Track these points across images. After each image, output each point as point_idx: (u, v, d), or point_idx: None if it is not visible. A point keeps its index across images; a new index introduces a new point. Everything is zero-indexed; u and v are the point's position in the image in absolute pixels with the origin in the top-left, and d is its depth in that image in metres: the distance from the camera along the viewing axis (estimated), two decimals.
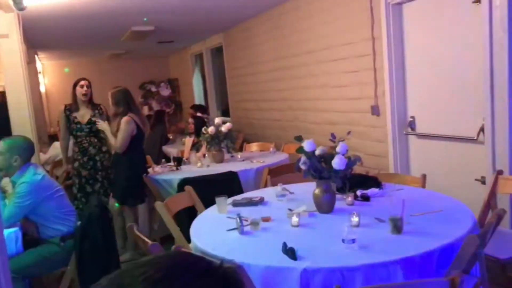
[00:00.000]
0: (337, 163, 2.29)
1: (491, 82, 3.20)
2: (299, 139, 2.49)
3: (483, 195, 2.87)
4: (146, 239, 2.13)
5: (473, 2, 3.30)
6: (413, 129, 4.09)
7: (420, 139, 4.07)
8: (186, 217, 3.03)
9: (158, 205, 2.70)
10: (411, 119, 4.10)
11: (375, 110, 4.33)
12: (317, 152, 2.41)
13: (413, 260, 1.78)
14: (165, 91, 10.80)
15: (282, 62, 5.96)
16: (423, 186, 2.87)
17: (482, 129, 3.35)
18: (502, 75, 3.12)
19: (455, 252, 1.88)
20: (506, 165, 3.16)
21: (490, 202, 2.76)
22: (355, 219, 2.16)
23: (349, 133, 2.68)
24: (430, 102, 3.88)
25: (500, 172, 2.83)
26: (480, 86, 3.30)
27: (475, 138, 3.40)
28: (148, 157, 4.54)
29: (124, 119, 3.92)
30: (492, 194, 2.79)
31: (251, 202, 2.68)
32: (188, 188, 3.02)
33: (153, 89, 10.80)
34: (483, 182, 3.38)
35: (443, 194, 2.61)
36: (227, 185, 3.52)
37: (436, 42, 3.74)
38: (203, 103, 9.40)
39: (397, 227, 2.00)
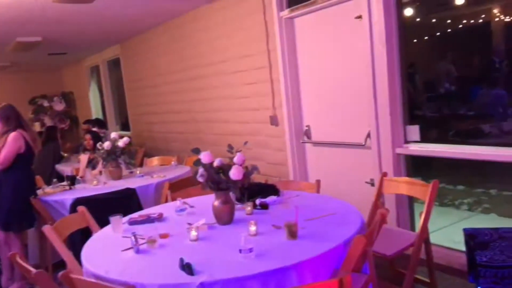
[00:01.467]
0: (234, 173, 2.30)
1: (374, 92, 3.47)
2: (197, 151, 2.46)
3: (373, 196, 3.08)
4: (29, 267, 1.95)
5: (356, 18, 3.56)
6: (309, 137, 4.28)
7: (315, 146, 4.27)
8: (80, 239, 2.83)
9: (46, 228, 2.49)
10: (306, 128, 4.29)
11: (274, 120, 4.47)
12: (215, 164, 2.40)
13: (307, 263, 1.84)
14: (59, 106, 10.13)
15: (184, 74, 5.91)
16: (318, 191, 3.00)
17: (368, 135, 3.61)
18: (383, 85, 3.40)
19: (346, 253, 1.97)
20: (391, 168, 3.44)
21: (378, 203, 2.97)
22: (252, 228, 2.18)
23: (245, 143, 2.71)
24: (323, 112, 4.10)
25: (384, 174, 3.05)
26: (365, 95, 3.56)
27: (363, 143, 3.65)
28: (38, 178, 4.20)
29: (12, 134, 3.60)
30: (379, 194, 3.00)
31: (148, 219, 2.58)
32: (81, 208, 2.83)
33: (46, 103, 10.06)
34: (372, 184, 3.63)
35: (337, 197, 2.75)
36: (124, 203, 3.37)
37: (326, 55, 3.97)
38: (101, 117, 8.97)
39: (292, 232, 2.06)
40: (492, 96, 5.56)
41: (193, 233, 2.20)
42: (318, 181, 3.04)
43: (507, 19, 6.71)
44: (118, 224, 2.45)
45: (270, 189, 2.84)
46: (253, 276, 1.73)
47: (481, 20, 7.52)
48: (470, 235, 2.13)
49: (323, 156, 4.19)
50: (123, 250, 2.16)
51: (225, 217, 2.40)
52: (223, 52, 5.04)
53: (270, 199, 2.72)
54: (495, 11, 7.39)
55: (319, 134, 4.20)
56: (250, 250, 1.91)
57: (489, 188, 5.03)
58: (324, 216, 2.37)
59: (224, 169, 2.37)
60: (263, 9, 4.34)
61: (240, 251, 1.91)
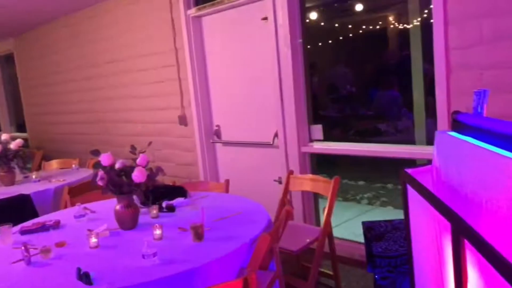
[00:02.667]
0: (137, 175, 2.20)
1: (280, 92, 3.55)
2: (96, 153, 2.33)
3: (281, 194, 3.15)
4: None
5: (262, 19, 3.62)
6: (219, 137, 4.27)
7: (225, 146, 4.27)
8: None
9: None
10: (216, 128, 4.28)
11: (183, 120, 4.39)
12: (116, 166, 2.29)
13: (213, 264, 1.82)
14: None
15: (87, 71, 5.58)
16: (227, 191, 3.00)
17: (276, 135, 3.69)
18: (288, 86, 3.49)
19: (252, 251, 1.98)
20: (297, 166, 3.54)
21: (285, 200, 3.05)
22: (157, 232, 2.11)
23: (149, 143, 2.61)
24: (232, 112, 4.11)
25: (291, 172, 3.14)
26: (272, 95, 3.63)
27: (271, 143, 3.73)
28: None
29: None
30: (286, 192, 3.08)
31: (43, 227, 2.38)
32: None
33: None
34: (280, 182, 3.72)
35: (247, 196, 2.77)
36: (17, 211, 3.09)
37: (234, 55, 3.98)
38: None
39: (198, 234, 2.03)
40: (387, 98, 6.01)
41: (93, 240, 2.07)
42: (227, 181, 3.03)
43: (401, 26, 7.28)
44: (7, 235, 2.23)
45: (177, 191, 2.77)
46: (156, 281, 1.67)
47: (378, 27, 8.08)
48: (368, 228, 2.27)
49: (233, 155, 4.20)
50: (13, 263, 1.97)
51: (128, 222, 2.29)
52: (129, 49, 4.85)
53: (177, 201, 2.66)
54: (391, 18, 7.97)
55: (229, 133, 4.21)
56: (154, 254, 1.84)
57: (387, 183, 5.43)
58: (231, 216, 2.37)
59: (127, 171, 2.26)
60: (169, 7, 4.25)
61: (143, 256, 1.84)
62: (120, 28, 4.89)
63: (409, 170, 1.66)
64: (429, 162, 1.74)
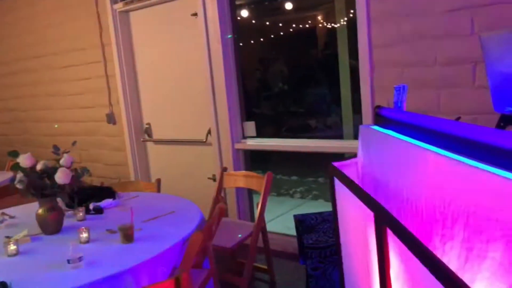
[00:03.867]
0: (60, 177, 2.08)
1: (212, 89, 3.53)
2: (14, 154, 2.17)
3: (215, 191, 3.13)
4: None
5: (192, 15, 3.57)
6: (150, 135, 4.16)
7: (157, 144, 4.17)
8: None
9: None
10: (147, 126, 4.17)
11: (111, 119, 4.22)
12: (38, 167, 2.15)
13: (143, 266, 1.76)
14: None
15: (4, 67, 5.19)
16: (158, 190, 2.93)
17: (209, 132, 3.67)
18: (220, 83, 3.47)
19: (184, 250, 1.95)
20: (231, 163, 3.54)
21: (218, 197, 3.03)
22: (84, 235, 2.01)
23: (74, 143, 2.48)
24: (164, 109, 4.02)
25: (224, 169, 3.13)
26: (205, 92, 3.60)
27: (205, 140, 3.70)
28: None
29: None
30: (219, 189, 3.07)
31: None
32: None
33: None
34: (214, 180, 3.70)
35: (180, 195, 2.72)
36: None
37: (164, 51, 3.90)
38: None
39: (127, 236, 1.96)
40: (317, 95, 6.20)
41: (12, 248, 1.93)
42: (158, 180, 2.96)
43: (329, 25, 7.52)
44: None
45: (105, 192, 2.66)
46: (82, 287, 1.58)
47: (307, 25, 8.29)
48: (299, 221, 2.32)
49: (166, 154, 4.12)
50: None
51: (51, 226, 2.17)
52: (51, 44, 4.57)
53: (105, 202, 2.55)
54: (319, 17, 8.21)
55: (160, 132, 4.11)
56: (80, 259, 1.75)
57: (318, 177, 5.59)
58: (162, 216, 2.31)
59: (49, 173, 2.13)
60: (95, 1, 4.06)
61: (68, 261, 1.74)
62: (42, 22, 4.61)
63: (335, 163, 1.71)
64: (355, 155, 1.81)
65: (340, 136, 4.63)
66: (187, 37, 3.69)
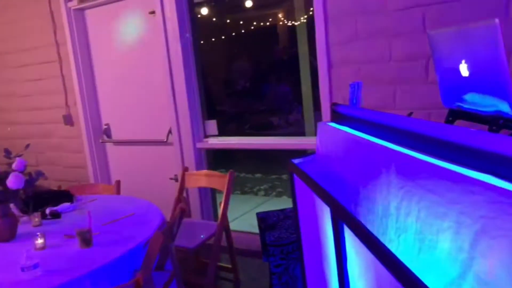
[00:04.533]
0: (12, 182, 2.00)
1: (172, 88, 3.48)
2: None
3: (177, 191, 3.09)
4: None
5: (150, 13, 3.51)
6: (109, 136, 4.07)
7: (117, 146, 4.08)
8: None
9: None
10: (106, 127, 4.07)
11: (68, 120, 4.10)
12: None
13: (102, 270, 1.72)
14: None
15: None
16: (118, 192, 2.87)
17: (170, 131, 3.62)
18: (180, 81, 3.44)
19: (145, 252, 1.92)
20: (193, 162, 3.52)
21: (180, 197, 3.00)
22: (39, 241, 1.94)
23: (27, 146, 2.39)
24: (123, 109, 3.93)
25: (186, 169, 3.10)
26: (164, 91, 3.55)
27: (165, 140, 3.65)
28: None
29: None
30: (181, 189, 3.04)
31: None
32: None
33: None
34: (176, 180, 3.66)
35: (142, 197, 2.67)
36: None
37: (122, 50, 3.81)
38: None
39: (86, 240, 1.91)
40: (279, 92, 6.25)
41: None
42: (117, 182, 2.90)
43: (289, 23, 7.59)
44: None
45: (62, 196, 2.58)
46: None
47: (268, 23, 8.33)
48: (261, 218, 2.33)
49: (126, 155, 4.03)
50: None
51: (4, 233, 2.08)
52: (2, 43, 4.38)
53: (63, 206, 2.48)
54: (280, 15, 8.27)
55: (120, 132, 4.03)
56: (35, 266, 1.69)
57: (282, 174, 5.64)
58: (122, 218, 2.27)
59: (1, 177, 2.05)
60: None
61: (22, 269, 1.68)
62: None
63: (294, 160, 1.73)
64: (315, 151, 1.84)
65: (302, 133, 4.68)
66: (146, 35, 3.62)
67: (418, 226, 1.01)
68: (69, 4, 3.86)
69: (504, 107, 1.10)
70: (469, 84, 1.18)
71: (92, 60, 4.00)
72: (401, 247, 1.09)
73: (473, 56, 1.12)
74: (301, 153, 3.17)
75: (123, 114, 3.94)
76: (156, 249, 1.87)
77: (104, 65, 3.96)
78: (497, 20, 0.98)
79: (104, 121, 4.07)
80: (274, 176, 5.59)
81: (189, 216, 3.45)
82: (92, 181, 4.09)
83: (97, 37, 3.94)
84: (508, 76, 1.01)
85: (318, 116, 4.27)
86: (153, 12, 3.47)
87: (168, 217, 2.55)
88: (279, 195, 5.07)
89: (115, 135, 4.05)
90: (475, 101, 1.20)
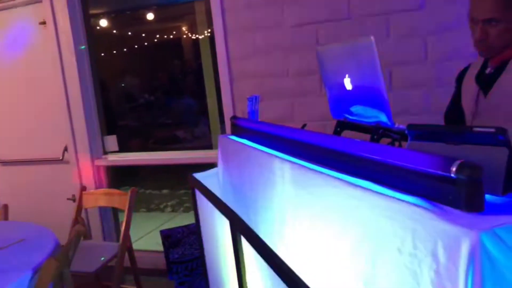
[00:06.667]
0: None
1: (67, 103, 3.28)
2: None
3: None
4: None
5: (40, 23, 3.29)
6: None
7: (5, 166, 3.72)
8: None
9: None
10: None
11: None
12: None
13: None
14: None
15: None
16: (6, 218, 2.62)
17: (66, 149, 3.40)
18: (76, 95, 3.25)
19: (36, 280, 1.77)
20: (91, 181, 3.33)
21: (78, 219, 2.82)
22: None
23: None
24: (11, 126, 3.61)
25: (83, 188, 2.93)
26: (59, 106, 3.33)
27: (61, 158, 3.42)
28: None
29: None
30: (79, 210, 2.86)
31: None
32: None
33: None
34: (74, 200, 3.43)
35: (36, 220, 2.46)
36: None
37: (10, 62, 3.51)
38: None
39: None
40: (184, 105, 6.19)
41: None
42: (5, 207, 2.65)
43: (193, 36, 7.59)
44: None
45: None
46: None
47: (172, 36, 8.27)
48: (165, 236, 2.27)
49: (16, 176, 3.69)
50: None
51: None
52: None
53: None
54: (184, 29, 8.25)
55: (8, 152, 3.68)
56: None
57: (189, 189, 5.56)
58: (11, 245, 2.07)
59: None
60: None
61: None
62: None
63: (196, 175, 1.72)
64: None
65: (209, 146, 4.67)
66: (36, 47, 3.38)
67: (311, 233, 1.05)
68: None
69: (383, 118, 1.20)
70: (353, 97, 1.27)
71: None
72: (296, 255, 1.12)
73: (355, 71, 1.21)
74: (209, 166, 3.16)
75: (12, 132, 3.62)
76: (49, 276, 1.73)
77: None
78: (372, 38, 1.06)
79: None
80: (182, 191, 5.49)
81: (89, 238, 3.25)
82: None
83: None
84: (384, 89, 1.10)
85: (224, 129, 4.30)
86: (44, 23, 3.25)
87: (65, 241, 2.38)
88: (187, 210, 4.99)
89: (3, 155, 3.70)
90: (359, 112, 1.29)
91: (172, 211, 5.11)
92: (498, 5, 1.27)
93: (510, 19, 1.28)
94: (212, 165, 3.25)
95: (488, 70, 1.41)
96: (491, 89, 1.38)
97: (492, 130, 0.73)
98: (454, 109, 1.55)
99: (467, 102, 1.48)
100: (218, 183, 1.79)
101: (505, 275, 0.58)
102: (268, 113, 2.45)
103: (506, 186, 0.71)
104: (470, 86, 1.48)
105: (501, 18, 1.28)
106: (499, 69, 1.37)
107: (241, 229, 1.15)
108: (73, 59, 3.19)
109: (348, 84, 1.25)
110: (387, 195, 0.79)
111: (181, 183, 5.51)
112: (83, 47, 3.24)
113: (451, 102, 1.60)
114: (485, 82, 1.41)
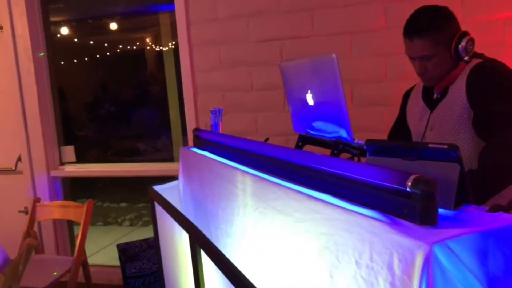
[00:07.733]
0: None
1: (23, 111, 3.17)
2: None
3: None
4: None
5: None
6: None
7: None
8: None
9: None
10: None
11: None
12: None
13: None
14: None
15: None
16: None
17: (19, 159, 3.27)
18: (33, 104, 3.14)
19: None
20: (46, 192, 3.21)
21: (30, 232, 2.70)
22: None
23: None
24: None
25: (37, 200, 2.82)
26: (13, 114, 3.20)
27: (14, 168, 3.28)
28: None
29: None
30: (31, 223, 2.74)
31: None
32: None
33: None
34: (27, 213, 3.29)
35: None
36: None
37: None
38: None
39: None
40: (146, 117, 6.11)
41: None
42: None
43: (157, 48, 7.54)
44: None
45: None
46: None
47: (135, 47, 8.17)
48: (122, 250, 2.20)
49: None
50: None
51: None
52: None
53: None
54: (148, 40, 8.17)
55: None
56: None
57: (148, 202, 5.45)
58: None
59: None
60: None
61: None
62: None
63: (155, 187, 1.69)
64: None
65: (170, 159, 4.61)
66: None
67: (272, 246, 1.05)
68: None
69: (343, 133, 1.22)
70: (315, 113, 1.29)
71: None
72: (257, 268, 1.12)
73: (317, 87, 1.23)
74: (170, 179, 3.11)
75: None
76: None
77: None
78: (334, 55, 1.09)
79: None
80: (141, 205, 5.37)
81: (42, 252, 3.11)
82: None
83: None
84: (344, 105, 1.12)
85: (187, 142, 4.26)
86: (0, 28, 3.14)
87: (15, 255, 2.27)
88: (145, 224, 4.88)
89: None
90: (320, 128, 1.31)
91: (130, 225, 4.98)
92: (426, 45, 1.38)
93: (441, 52, 1.39)
94: (173, 178, 3.20)
95: (435, 96, 1.52)
96: (436, 109, 1.49)
97: (445, 146, 0.76)
98: (400, 127, 1.67)
99: (414, 120, 1.58)
100: (178, 195, 1.76)
101: (456, 286, 0.60)
102: (232, 126, 2.45)
103: (458, 200, 0.74)
104: (417, 106, 1.58)
105: (433, 54, 1.39)
106: (444, 94, 1.48)
107: (200, 243, 1.14)
108: (31, 66, 3.09)
109: (310, 99, 1.27)
110: (346, 208, 0.80)
111: (140, 196, 5.39)
112: (42, 54, 3.15)
113: (396, 121, 1.71)
114: (433, 104, 1.51)
